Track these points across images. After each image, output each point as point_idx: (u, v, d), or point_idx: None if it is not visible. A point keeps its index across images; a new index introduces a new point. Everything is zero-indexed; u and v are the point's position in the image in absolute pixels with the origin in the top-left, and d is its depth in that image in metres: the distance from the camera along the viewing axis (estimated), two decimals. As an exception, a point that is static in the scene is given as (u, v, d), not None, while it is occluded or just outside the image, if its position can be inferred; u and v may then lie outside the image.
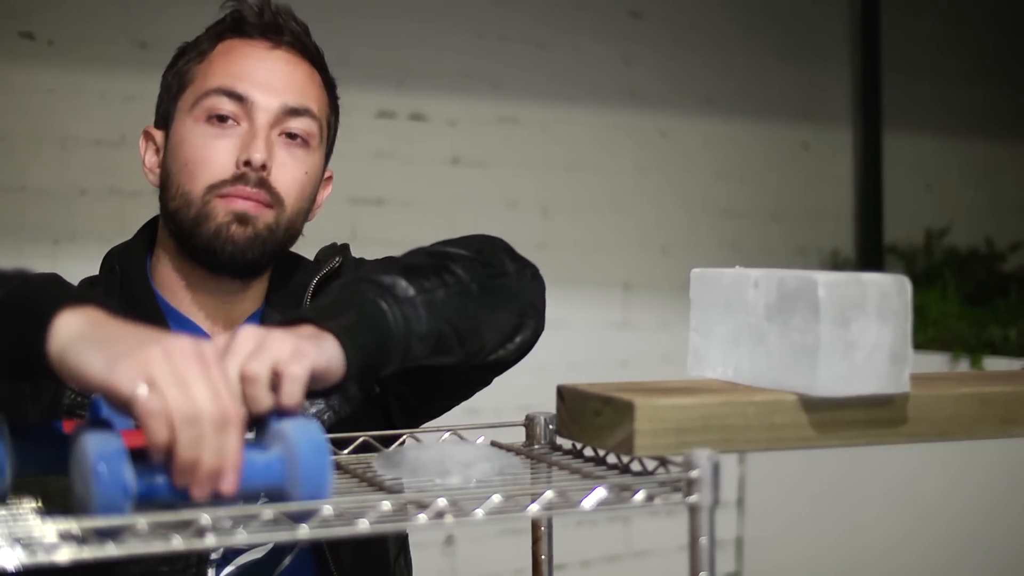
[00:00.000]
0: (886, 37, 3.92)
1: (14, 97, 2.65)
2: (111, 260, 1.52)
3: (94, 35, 2.73)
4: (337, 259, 1.54)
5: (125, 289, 1.48)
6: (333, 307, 1.17)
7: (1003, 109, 4.24)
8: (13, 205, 2.64)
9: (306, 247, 1.56)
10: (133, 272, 1.49)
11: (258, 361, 1.00)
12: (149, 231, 1.55)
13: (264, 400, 0.99)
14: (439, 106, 3.18)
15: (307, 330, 1.10)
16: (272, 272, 1.53)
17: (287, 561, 1.45)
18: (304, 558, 1.47)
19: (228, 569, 1.43)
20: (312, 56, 1.51)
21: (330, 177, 1.59)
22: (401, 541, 1.61)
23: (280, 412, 1.00)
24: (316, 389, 1.08)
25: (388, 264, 1.31)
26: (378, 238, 3.01)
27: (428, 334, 1.23)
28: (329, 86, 1.55)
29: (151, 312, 1.46)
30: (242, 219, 1.41)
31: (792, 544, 3.48)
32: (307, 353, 1.04)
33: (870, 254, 3.85)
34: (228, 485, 0.90)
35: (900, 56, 3.96)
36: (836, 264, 3.80)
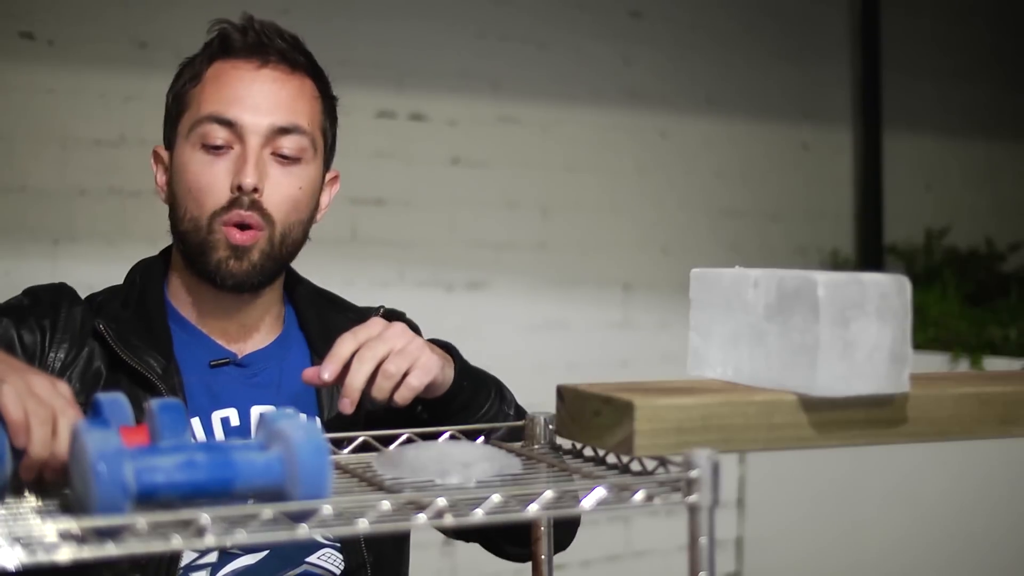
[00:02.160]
0: (886, 37, 3.92)
1: (14, 97, 2.65)
2: (133, 272, 1.61)
3: (94, 35, 2.73)
4: (382, 308, 1.65)
5: (140, 301, 1.56)
6: (467, 366, 1.52)
7: (1003, 109, 4.24)
8: (13, 205, 2.64)
9: (310, 248, 1.59)
10: (149, 285, 1.58)
11: (397, 361, 1.36)
12: (170, 249, 1.63)
13: (387, 392, 1.36)
14: (439, 106, 3.18)
15: (446, 355, 1.45)
16: (308, 310, 1.62)
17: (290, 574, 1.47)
18: None
19: (224, 571, 1.44)
20: (303, 67, 1.56)
21: (336, 177, 1.65)
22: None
23: (389, 404, 1.37)
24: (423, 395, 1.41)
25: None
26: (378, 238, 3.01)
27: (476, 410, 1.52)
28: (323, 93, 1.59)
29: (159, 325, 1.54)
30: (238, 253, 1.49)
31: (792, 544, 3.48)
32: (432, 370, 1.38)
33: (870, 254, 3.85)
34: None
35: (900, 56, 3.96)
36: (836, 264, 3.80)
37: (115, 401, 1.04)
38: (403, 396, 1.37)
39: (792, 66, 3.80)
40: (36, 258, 2.60)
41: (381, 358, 1.35)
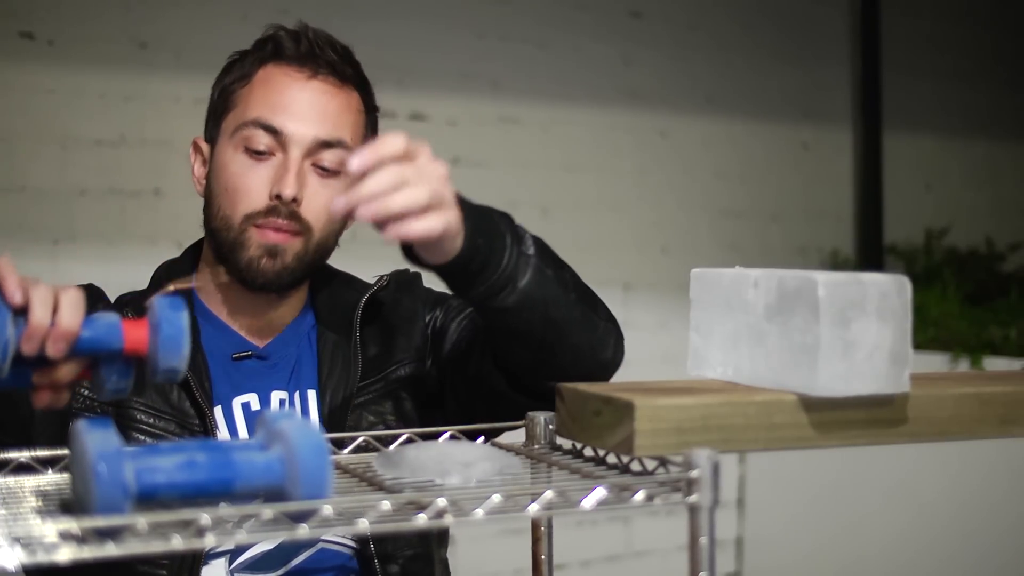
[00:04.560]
0: (886, 37, 3.92)
1: (14, 97, 2.65)
2: (159, 271, 1.62)
3: (94, 35, 2.73)
4: (385, 277, 1.64)
5: None
6: (478, 213, 1.33)
7: (1003, 109, 4.24)
8: (13, 205, 2.64)
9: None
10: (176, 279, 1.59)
11: (414, 193, 1.22)
12: (196, 247, 1.64)
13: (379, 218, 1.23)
14: (439, 106, 3.18)
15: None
16: (322, 290, 1.62)
17: (303, 556, 1.47)
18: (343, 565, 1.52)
19: (242, 557, 1.47)
20: (351, 80, 1.57)
21: None
22: (444, 544, 1.65)
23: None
24: (421, 256, 1.30)
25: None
26: (378, 238, 3.01)
27: (523, 291, 1.36)
28: (368, 106, 1.61)
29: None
30: (272, 252, 1.50)
31: (792, 544, 3.48)
32: (439, 226, 1.23)
33: (870, 254, 3.85)
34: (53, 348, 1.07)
35: (900, 56, 3.96)
36: (836, 264, 3.80)
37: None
38: (398, 232, 1.26)
39: (792, 66, 3.80)
40: (36, 258, 2.60)
41: (405, 180, 1.22)
